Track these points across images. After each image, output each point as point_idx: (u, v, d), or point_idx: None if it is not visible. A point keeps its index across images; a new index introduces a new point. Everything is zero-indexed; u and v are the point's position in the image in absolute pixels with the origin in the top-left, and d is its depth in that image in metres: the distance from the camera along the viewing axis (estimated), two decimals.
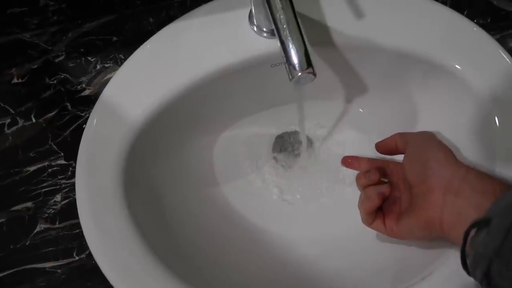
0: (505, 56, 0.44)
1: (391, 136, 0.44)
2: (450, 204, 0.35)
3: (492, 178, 0.35)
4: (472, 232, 0.31)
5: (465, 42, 0.45)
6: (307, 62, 0.35)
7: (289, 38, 0.36)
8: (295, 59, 0.35)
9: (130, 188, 0.42)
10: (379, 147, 0.46)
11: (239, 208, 0.51)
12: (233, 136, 0.54)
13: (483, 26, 0.46)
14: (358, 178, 0.44)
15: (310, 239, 0.49)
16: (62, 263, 0.42)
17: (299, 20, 0.37)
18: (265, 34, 0.45)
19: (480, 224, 0.30)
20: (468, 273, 0.31)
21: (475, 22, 0.46)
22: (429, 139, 0.41)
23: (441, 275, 0.37)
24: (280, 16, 0.37)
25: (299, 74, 0.35)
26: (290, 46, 0.36)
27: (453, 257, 0.38)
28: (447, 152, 0.38)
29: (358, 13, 0.46)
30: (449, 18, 0.46)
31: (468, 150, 0.43)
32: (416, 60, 0.45)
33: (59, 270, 0.41)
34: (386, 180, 0.45)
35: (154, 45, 0.46)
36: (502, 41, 0.46)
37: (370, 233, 0.44)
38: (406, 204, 0.41)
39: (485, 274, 0.29)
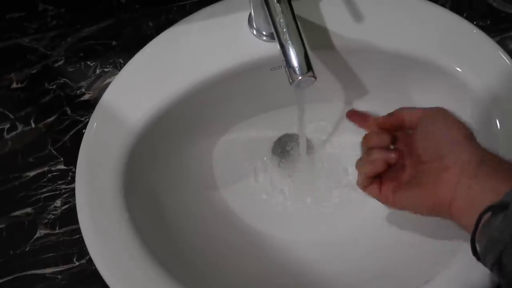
0: (505, 58, 0.44)
1: (395, 112, 0.41)
2: (465, 186, 0.33)
3: (509, 163, 0.33)
4: (487, 216, 0.30)
5: (465, 44, 0.45)
6: (307, 65, 0.35)
7: (288, 41, 0.36)
8: (295, 62, 0.35)
9: (130, 193, 0.42)
10: (382, 123, 0.41)
11: (238, 212, 0.51)
12: (232, 140, 0.54)
13: (483, 28, 0.46)
14: (368, 137, 0.41)
15: (310, 242, 0.49)
16: (62, 268, 0.41)
17: (298, 23, 0.37)
18: (264, 38, 0.45)
19: (496, 208, 0.29)
20: (478, 259, 0.31)
21: (475, 24, 0.46)
22: (445, 116, 0.38)
23: (444, 279, 0.37)
24: (280, 19, 0.36)
25: (300, 77, 0.35)
26: (290, 49, 0.35)
27: (456, 260, 0.37)
28: (466, 131, 0.36)
29: (358, 16, 0.46)
30: (448, 20, 0.46)
31: None
32: (416, 62, 0.45)
33: (59, 276, 0.41)
34: (392, 147, 0.42)
35: (153, 49, 0.46)
36: (502, 43, 0.46)
37: (371, 237, 0.44)
38: (408, 175, 0.39)
39: (497, 259, 0.28)
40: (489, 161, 0.33)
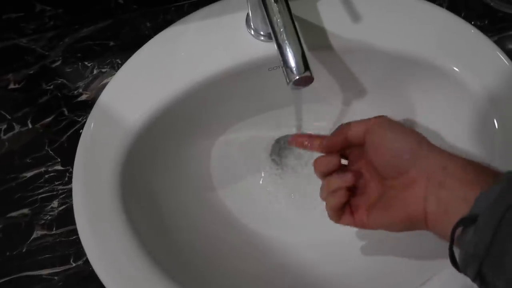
0: (502, 58, 0.44)
1: (338, 130, 0.39)
2: (434, 197, 0.33)
3: (475, 166, 0.33)
4: (459, 231, 0.29)
5: (462, 44, 0.45)
6: (305, 65, 0.35)
7: (286, 41, 0.36)
8: (292, 62, 0.35)
9: (128, 193, 0.41)
10: (329, 145, 0.40)
11: (237, 212, 0.51)
12: (231, 140, 0.54)
13: (481, 28, 0.46)
14: (317, 163, 0.40)
15: (308, 243, 0.49)
16: (59, 270, 0.41)
17: (296, 23, 0.37)
18: (262, 38, 0.45)
19: (466, 222, 0.29)
20: (459, 270, 0.30)
21: (473, 24, 0.46)
22: (391, 126, 0.36)
23: (440, 281, 0.37)
24: (277, 19, 0.36)
25: (297, 77, 0.35)
26: (287, 49, 0.35)
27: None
28: (420, 140, 0.35)
29: (355, 16, 0.46)
30: (446, 20, 0.46)
31: (468, 152, 0.43)
32: (413, 62, 0.45)
33: (56, 277, 0.41)
34: (346, 162, 0.41)
35: (151, 49, 0.46)
36: (499, 43, 0.46)
37: (368, 238, 0.44)
38: (376, 193, 0.38)
39: (477, 273, 0.28)
40: (454, 167, 0.32)
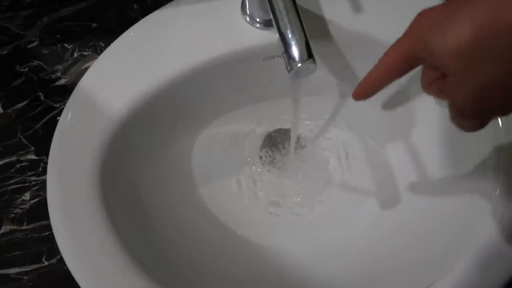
0: None
1: (391, 54, 0.35)
2: None
3: None
4: None
5: None
6: (308, 52, 0.34)
7: (288, 27, 0.34)
8: (294, 49, 0.34)
9: (108, 187, 0.40)
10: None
11: (224, 212, 0.50)
12: (219, 134, 0.53)
13: None
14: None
15: (298, 246, 0.48)
16: (30, 268, 0.40)
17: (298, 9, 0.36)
18: (258, 25, 0.44)
19: None
20: None
21: None
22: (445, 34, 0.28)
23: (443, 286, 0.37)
24: (279, 5, 0.35)
25: (299, 65, 0.33)
26: (290, 35, 0.34)
27: (457, 267, 0.37)
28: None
29: (357, 7, 0.45)
30: None
31: (471, 151, 0.42)
32: None
33: (25, 277, 0.40)
34: None
35: (137, 33, 0.45)
36: None
37: (365, 238, 0.44)
38: None
39: None
40: None
